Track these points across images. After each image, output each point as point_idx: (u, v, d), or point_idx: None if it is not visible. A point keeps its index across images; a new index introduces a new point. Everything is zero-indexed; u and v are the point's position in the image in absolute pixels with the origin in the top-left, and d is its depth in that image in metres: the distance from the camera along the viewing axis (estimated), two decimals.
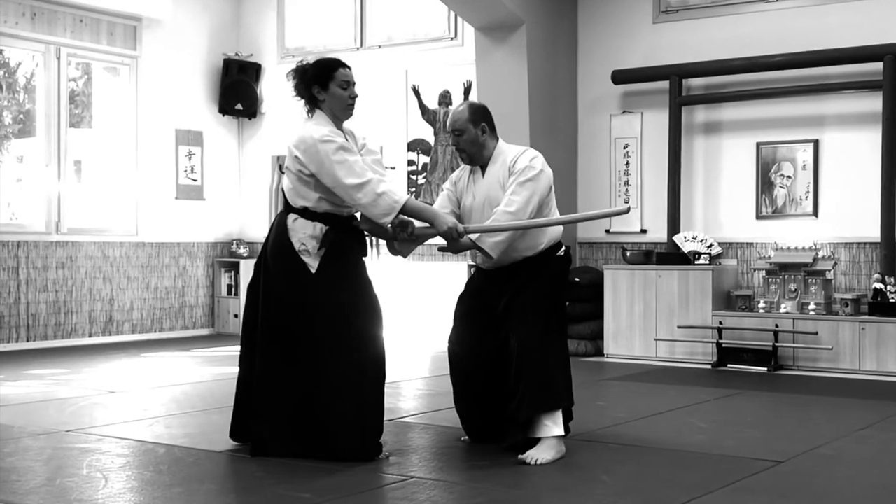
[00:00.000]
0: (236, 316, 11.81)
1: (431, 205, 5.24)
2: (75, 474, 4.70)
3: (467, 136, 5.24)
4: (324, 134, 4.98)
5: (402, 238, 5.04)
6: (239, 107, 12.06)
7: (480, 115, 5.28)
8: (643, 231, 10.06)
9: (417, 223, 5.02)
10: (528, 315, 5.10)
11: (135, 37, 11.33)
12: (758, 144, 9.49)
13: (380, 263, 5.34)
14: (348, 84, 5.20)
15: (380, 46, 11.34)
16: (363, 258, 5.16)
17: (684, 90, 9.74)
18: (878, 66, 8.83)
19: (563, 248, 5.34)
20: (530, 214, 5.07)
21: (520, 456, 4.94)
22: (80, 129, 11.36)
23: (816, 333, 8.60)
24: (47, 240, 10.46)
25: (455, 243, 5.01)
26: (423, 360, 9.30)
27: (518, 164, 5.15)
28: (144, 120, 11.39)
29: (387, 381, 5.10)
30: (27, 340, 10.28)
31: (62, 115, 10.61)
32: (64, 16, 10.65)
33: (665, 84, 9.72)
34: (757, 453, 5.24)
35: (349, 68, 5.29)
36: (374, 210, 4.88)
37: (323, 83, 5.19)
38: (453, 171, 10.73)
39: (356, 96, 5.25)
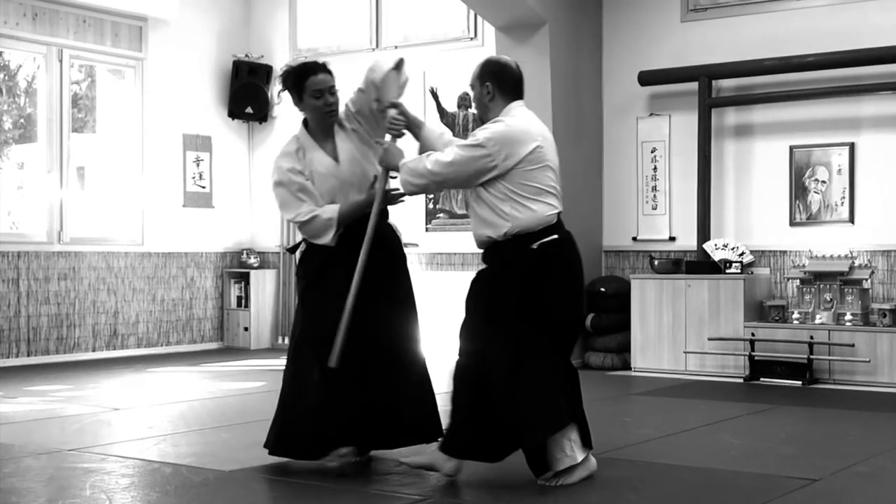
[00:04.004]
0: (246, 329, 11.83)
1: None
2: (78, 495, 4.72)
3: (474, 93, 5.16)
4: (275, 167, 5.32)
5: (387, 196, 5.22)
6: (249, 110, 12.09)
7: (487, 74, 5.12)
8: (672, 239, 10.04)
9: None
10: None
11: (140, 38, 11.38)
12: (791, 148, 9.46)
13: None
14: (321, 92, 5.25)
15: (396, 47, 11.36)
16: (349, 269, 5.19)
17: (714, 91, 9.72)
18: None
19: (548, 239, 4.91)
20: (451, 184, 5.02)
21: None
22: (83, 134, 11.43)
23: (853, 345, 8.56)
24: (49, 250, 10.50)
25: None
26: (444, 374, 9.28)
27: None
28: (150, 124, 11.43)
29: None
30: (28, 355, 10.32)
31: (64, 119, 10.66)
32: (66, 16, 10.70)
33: (694, 85, 9.71)
34: (791, 471, 5.23)
35: (324, 72, 5.30)
36: (314, 237, 5.24)
37: (297, 94, 5.32)
38: None
39: (332, 102, 5.29)
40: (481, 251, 5.06)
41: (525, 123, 5.01)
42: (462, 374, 4.97)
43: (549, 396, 4.82)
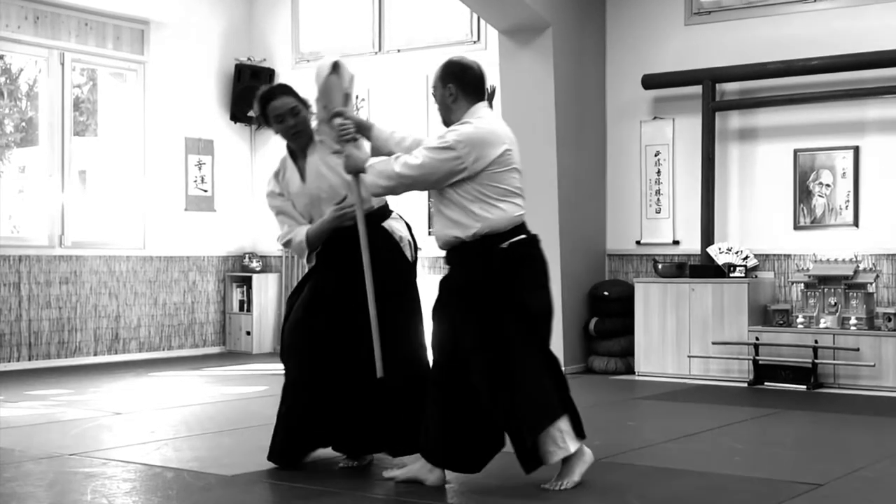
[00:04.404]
0: (248, 333, 11.84)
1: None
2: (79, 500, 4.72)
3: (437, 95, 5.14)
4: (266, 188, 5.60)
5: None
6: (251, 114, 12.06)
7: (449, 75, 5.11)
8: (675, 242, 10.04)
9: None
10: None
11: (142, 41, 11.39)
12: (795, 151, 9.46)
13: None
14: (282, 117, 5.37)
15: (399, 50, 11.37)
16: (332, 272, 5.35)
17: (718, 95, 9.72)
18: None
19: (516, 238, 4.93)
20: (421, 185, 4.96)
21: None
22: (84, 137, 11.43)
23: (858, 349, 8.56)
24: (50, 254, 10.51)
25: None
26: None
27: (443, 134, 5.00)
28: (152, 128, 11.44)
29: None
30: (29, 360, 10.32)
31: (66, 122, 10.67)
32: (68, 19, 10.71)
33: (698, 89, 9.71)
34: (795, 476, 5.22)
35: (283, 95, 5.42)
36: (298, 256, 5.60)
37: (265, 120, 5.48)
38: None
39: (294, 125, 5.39)
40: (444, 252, 5.06)
41: (493, 125, 5.01)
42: (441, 382, 4.97)
43: (541, 390, 4.84)
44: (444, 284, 5.05)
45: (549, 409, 4.83)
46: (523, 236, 4.96)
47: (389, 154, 5.11)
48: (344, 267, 5.26)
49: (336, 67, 5.26)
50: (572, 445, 4.87)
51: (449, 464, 4.96)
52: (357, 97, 11.38)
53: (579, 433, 4.94)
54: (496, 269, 4.87)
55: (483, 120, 4.98)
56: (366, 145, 5.24)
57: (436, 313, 5.04)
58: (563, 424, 4.86)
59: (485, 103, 5.11)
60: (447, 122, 5.08)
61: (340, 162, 5.20)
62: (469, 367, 4.87)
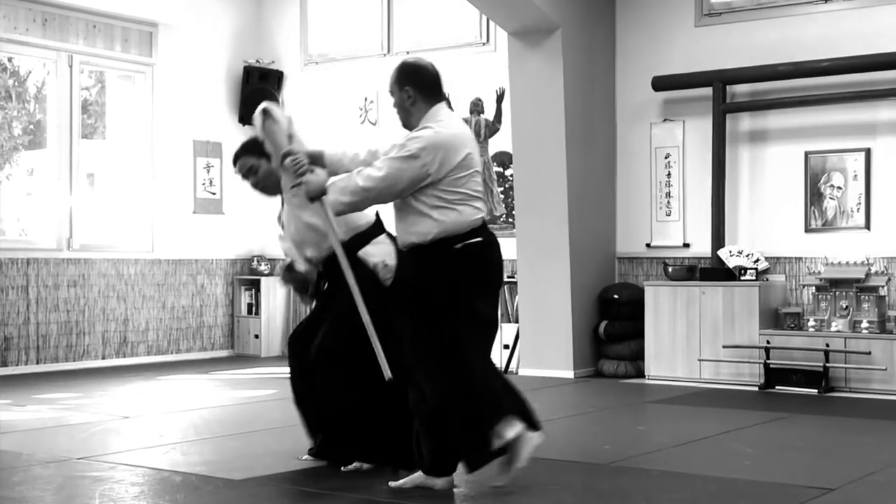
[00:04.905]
0: (257, 336, 11.84)
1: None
2: None
3: (395, 99, 5.13)
4: None
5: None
6: None
7: (405, 77, 5.10)
8: (686, 245, 10.03)
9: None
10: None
11: (150, 43, 11.41)
12: (806, 154, 9.44)
13: None
14: (245, 177, 5.65)
15: (408, 52, 11.36)
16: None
17: (728, 97, 9.71)
18: None
19: (470, 241, 4.91)
20: (387, 196, 4.90)
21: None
22: (92, 140, 11.43)
23: (870, 353, 8.54)
24: (58, 257, 10.53)
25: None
26: None
27: (402, 141, 4.96)
28: (160, 130, 11.46)
29: None
30: (37, 363, 10.34)
31: (74, 125, 10.70)
32: (76, 22, 10.74)
33: (708, 90, 9.69)
34: (807, 480, 5.21)
35: (244, 155, 5.64)
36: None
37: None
38: (485, 182, 10.84)
39: (255, 183, 5.68)
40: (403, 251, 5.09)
41: (454, 128, 5.00)
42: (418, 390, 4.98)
43: (496, 391, 4.90)
44: (394, 287, 5.05)
45: (502, 410, 4.83)
46: (478, 239, 4.93)
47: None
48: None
49: (267, 114, 5.29)
50: (511, 433, 4.81)
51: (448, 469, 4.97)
52: (366, 100, 11.41)
53: (533, 427, 4.92)
54: (446, 270, 4.87)
55: (444, 123, 4.96)
56: (322, 173, 5.18)
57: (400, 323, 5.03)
58: (508, 421, 4.83)
59: (444, 104, 5.11)
60: (407, 126, 5.06)
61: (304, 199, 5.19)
62: (411, 364, 4.89)
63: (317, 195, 5.04)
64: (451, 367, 4.81)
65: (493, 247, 5.02)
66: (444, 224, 4.85)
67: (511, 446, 4.82)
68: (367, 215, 5.48)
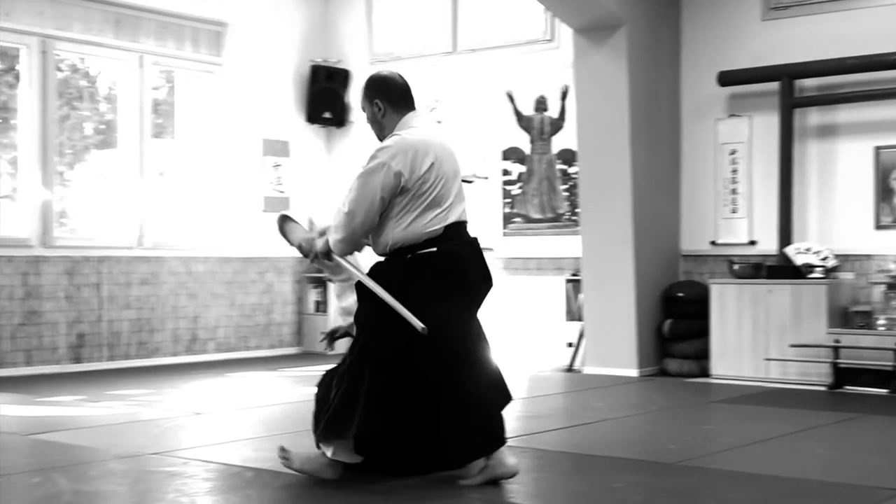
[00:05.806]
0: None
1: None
2: (161, 499, 4.80)
3: (367, 114, 5.14)
4: None
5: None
6: (327, 115, 12.18)
7: (374, 90, 5.10)
8: (752, 242, 9.96)
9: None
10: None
11: (219, 43, 11.52)
12: (876, 149, 9.35)
13: None
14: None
15: (473, 50, 11.39)
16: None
17: (796, 91, 9.63)
18: None
19: (424, 250, 4.94)
20: (371, 211, 4.88)
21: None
22: (162, 139, 11.56)
23: None
24: (130, 255, 10.66)
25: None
26: (520, 380, 9.29)
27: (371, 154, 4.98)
28: (229, 129, 11.57)
29: None
30: (109, 360, 10.48)
31: (145, 125, 10.83)
32: (147, 22, 10.87)
33: (775, 85, 9.62)
34: (879, 481, 5.16)
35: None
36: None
37: None
38: (549, 180, 10.85)
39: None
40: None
41: (421, 135, 4.99)
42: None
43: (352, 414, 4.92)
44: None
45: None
46: (433, 249, 4.93)
47: (355, 234, 5.04)
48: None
49: (285, 220, 5.40)
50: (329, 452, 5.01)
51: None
52: (433, 98, 11.43)
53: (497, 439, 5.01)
54: (398, 279, 4.90)
55: (413, 130, 4.99)
56: (351, 258, 5.18)
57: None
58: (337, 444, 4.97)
59: (417, 112, 5.13)
60: (381, 139, 5.08)
61: (346, 282, 5.34)
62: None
63: (325, 251, 5.10)
64: (350, 374, 4.96)
65: (450, 256, 4.97)
66: (399, 235, 4.91)
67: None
68: None
